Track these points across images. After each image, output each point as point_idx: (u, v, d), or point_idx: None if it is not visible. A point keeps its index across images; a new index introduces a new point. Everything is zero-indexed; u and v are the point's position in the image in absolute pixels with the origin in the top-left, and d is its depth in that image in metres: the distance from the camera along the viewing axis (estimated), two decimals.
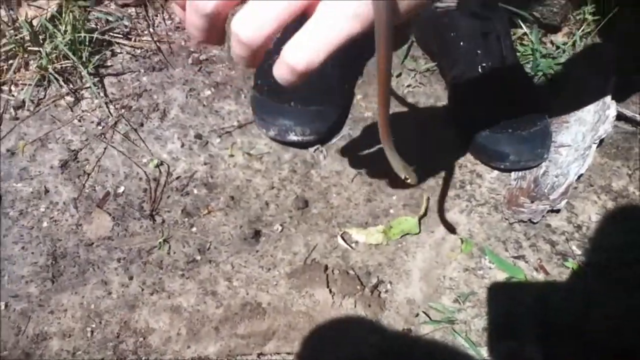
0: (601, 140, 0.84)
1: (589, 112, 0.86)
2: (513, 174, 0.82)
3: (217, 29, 0.36)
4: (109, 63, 0.91)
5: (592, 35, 1.01)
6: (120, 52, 0.93)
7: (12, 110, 0.82)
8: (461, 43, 0.84)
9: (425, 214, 0.78)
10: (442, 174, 0.82)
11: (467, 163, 0.83)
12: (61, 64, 0.85)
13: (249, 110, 0.86)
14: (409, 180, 0.53)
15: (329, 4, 0.33)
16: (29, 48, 0.86)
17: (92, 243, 0.71)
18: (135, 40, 0.95)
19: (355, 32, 0.33)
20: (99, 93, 0.85)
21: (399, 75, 0.94)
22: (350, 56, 0.88)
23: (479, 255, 0.75)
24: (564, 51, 0.98)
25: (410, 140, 0.84)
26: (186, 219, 0.74)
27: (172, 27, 1.00)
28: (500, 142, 0.78)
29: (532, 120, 0.80)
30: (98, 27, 0.95)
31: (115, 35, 0.95)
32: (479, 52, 0.83)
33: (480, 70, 0.82)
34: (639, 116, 0.88)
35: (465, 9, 0.84)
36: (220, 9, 0.35)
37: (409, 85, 0.93)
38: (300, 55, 0.33)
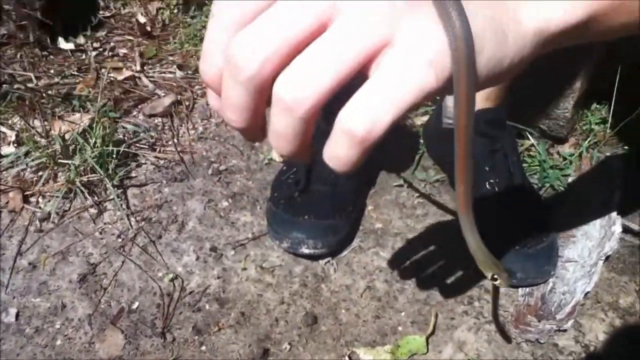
0: (607, 256, 0.85)
1: (595, 227, 0.87)
2: (520, 290, 0.83)
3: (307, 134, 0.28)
4: (133, 174, 0.96)
5: (599, 146, 1.03)
6: (145, 163, 0.98)
7: (37, 222, 0.87)
8: None
9: (433, 332, 0.79)
10: (451, 289, 0.83)
11: (475, 278, 0.84)
12: (88, 177, 0.90)
13: (264, 221, 0.89)
14: (497, 282, 0.43)
15: (397, 50, 0.26)
16: (60, 161, 0.92)
17: None
18: (159, 151, 1.01)
19: (430, 87, 0.26)
20: (121, 205, 0.90)
21: (410, 185, 0.97)
22: (364, 166, 0.92)
23: None
24: (570, 162, 1.01)
25: (418, 252, 0.87)
26: (196, 337, 0.76)
27: (195, 137, 1.06)
28: (507, 259, 0.80)
29: (538, 237, 0.82)
30: (125, 138, 1.01)
31: (141, 146, 1.01)
32: (486, 169, 0.86)
33: (487, 186, 0.85)
34: None
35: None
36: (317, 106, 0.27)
37: (418, 196, 0.96)
38: (363, 117, 0.26)
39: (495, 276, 0.42)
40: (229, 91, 0.28)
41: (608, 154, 1.02)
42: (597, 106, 1.12)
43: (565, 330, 0.78)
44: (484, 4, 0.28)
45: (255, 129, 0.29)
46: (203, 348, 0.75)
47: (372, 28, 0.26)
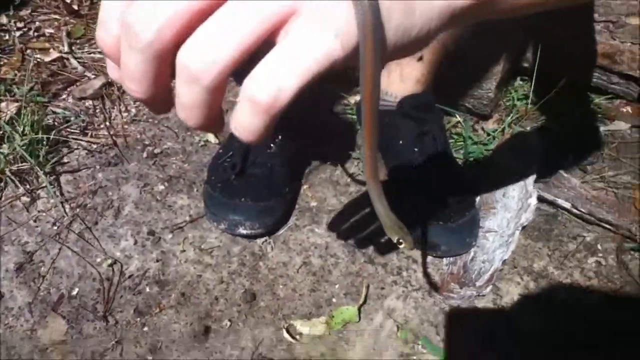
0: (524, 226, 0.92)
1: (513, 199, 0.94)
2: (445, 260, 0.89)
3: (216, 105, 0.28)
4: (65, 160, 0.95)
5: (521, 122, 1.10)
6: (77, 148, 0.98)
7: None
8: (400, 142, 0.92)
9: (365, 302, 0.84)
10: (381, 260, 0.88)
11: (404, 250, 0.90)
12: (18, 167, 0.89)
13: (201, 204, 0.91)
14: (402, 246, 0.45)
15: (303, 20, 0.26)
16: None
17: (47, 348, 0.74)
18: (91, 136, 1.00)
19: (336, 55, 0.26)
20: (55, 192, 0.89)
21: (343, 163, 1.01)
22: (298, 152, 0.95)
23: (413, 341, 0.81)
24: (494, 138, 1.07)
25: (349, 226, 0.91)
26: (138, 319, 0.78)
27: (128, 119, 1.05)
28: (432, 233, 0.86)
29: (461, 211, 0.88)
30: (55, 123, 1.00)
31: (72, 131, 1.00)
32: (415, 149, 0.91)
33: (415, 166, 0.90)
34: (560, 200, 0.96)
35: (403, 110, 0.92)
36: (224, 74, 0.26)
37: (352, 174, 1.00)
38: (266, 86, 0.26)
39: (401, 240, 0.44)
40: (127, 59, 0.27)
41: (529, 128, 1.09)
42: (520, 83, 1.19)
43: (484, 296, 0.85)
44: None
45: (158, 99, 0.29)
46: (145, 329, 0.77)
47: None
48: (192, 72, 0.25)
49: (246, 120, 0.27)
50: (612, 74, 1.08)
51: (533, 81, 1.09)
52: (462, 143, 1.06)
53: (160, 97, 0.29)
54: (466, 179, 0.95)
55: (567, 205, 0.95)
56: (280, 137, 0.89)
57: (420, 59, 0.91)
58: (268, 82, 0.25)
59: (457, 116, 1.09)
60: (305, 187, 0.97)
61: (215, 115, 0.28)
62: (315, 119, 1.01)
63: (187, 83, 0.26)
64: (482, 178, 0.99)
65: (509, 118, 1.10)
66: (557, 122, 1.12)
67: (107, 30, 0.28)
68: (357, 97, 1.11)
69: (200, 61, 0.25)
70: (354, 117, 1.08)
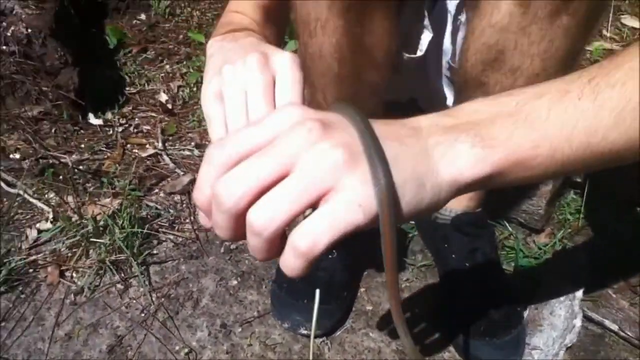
0: (569, 346, 0.96)
1: (559, 318, 0.99)
2: None
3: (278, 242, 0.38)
4: (154, 251, 1.09)
5: (573, 236, 1.16)
6: (165, 241, 1.11)
7: (72, 296, 0.99)
8: (452, 255, 1.00)
9: None
10: None
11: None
12: (116, 257, 1.03)
13: (268, 300, 1.02)
14: None
15: (337, 195, 0.36)
16: (91, 240, 1.05)
17: None
18: (178, 230, 1.14)
19: (359, 222, 0.36)
20: (144, 282, 1.02)
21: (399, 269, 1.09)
22: (358, 258, 1.05)
23: None
24: (545, 252, 1.13)
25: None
26: None
27: None
28: (476, 348, 0.92)
29: (508, 328, 0.94)
30: (148, 217, 1.14)
31: (161, 224, 1.14)
32: (466, 264, 0.98)
33: (465, 280, 0.97)
34: (607, 321, 1.00)
35: (457, 226, 1.00)
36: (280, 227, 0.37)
37: (407, 280, 1.08)
38: (305, 238, 0.35)
39: None
40: (216, 216, 0.38)
41: (580, 243, 1.14)
42: (573, 197, 1.25)
43: None
44: (408, 158, 0.38)
45: (237, 239, 0.39)
46: None
47: (321, 178, 0.36)
48: (255, 228, 0.36)
49: (290, 261, 0.36)
50: None
51: (584, 196, 1.15)
52: (513, 255, 1.12)
53: (240, 238, 0.39)
54: (515, 294, 1.01)
55: (615, 327, 0.99)
56: (335, 252, 0.99)
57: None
58: (307, 236, 0.35)
59: (509, 228, 1.16)
60: (362, 289, 1.06)
61: (273, 253, 0.38)
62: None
63: (252, 234, 0.37)
64: (531, 293, 1.04)
65: (561, 233, 1.15)
66: (608, 239, 1.16)
67: (202, 192, 0.39)
68: None
69: (262, 221, 0.36)
70: (412, 222, 1.17)
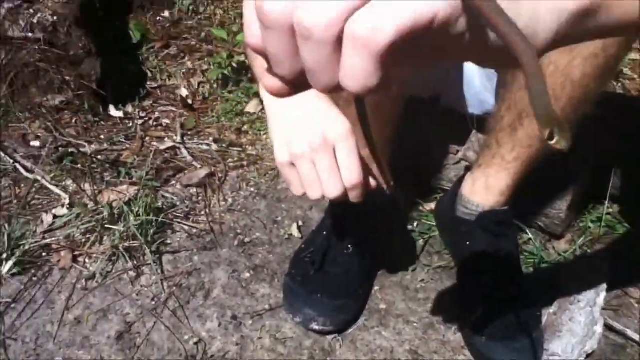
0: (589, 354, 0.93)
1: (579, 325, 0.96)
2: None
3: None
4: (168, 241, 1.08)
5: (594, 244, 1.13)
6: (179, 231, 1.11)
7: (83, 281, 0.99)
8: (474, 254, 0.97)
9: None
10: None
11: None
12: (130, 243, 1.03)
13: (281, 294, 1.00)
14: (553, 141, 0.32)
15: None
16: (106, 226, 1.05)
17: None
18: (192, 221, 1.14)
19: (440, 7, 0.27)
20: (157, 270, 1.01)
21: (415, 269, 1.07)
22: (373, 256, 1.03)
23: None
24: (565, 258, 1.10)
25: (417, 336, 0.96)
26: None
27: (225, 208, 1.18)
28: (496, 351, 0.89)
29: (527, 332, 0.91)
30: (164, 207, 1.14)
31: (177, 215, 1.14)
32: (488, 264, 0.96)
33: (486, 282, 0.95)
34: (629, 330, 0.97)
35: (482, 224, 0.97)
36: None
37: (422, 280, 1.06)
38: (364, 22, 0.27)
39: (555, 134, 0.32)
40: (304, 52, 0.28)
41: (600, 251, 1.11)
42: (595, 205, 1.22)
43: None
44: None
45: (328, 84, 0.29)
46: None
47: None
48: (364, 38, 0.27)
49: (350, 62, 0.27)
50: None
51: (606, 204, 1.12)
52: (532, 261, 1.10)
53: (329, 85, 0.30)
54: (534, 299, 0.98)
55: (637, 337, 0.96)
56: (350, 248, 0.97)
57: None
58: (366, 19, 0.27)
59: (529, 233, 1.13)
60: (376, 288, 1.04)
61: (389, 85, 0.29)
62: (391, 224, 1.09)
63: (356, 50, 0.27)
64: (550, 298, 1.02)
65: (581, 240, 1.12)
66: (630, 248, 1.13)
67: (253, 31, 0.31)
68: (432, 205, 1.18)
69: (372, 25, 0.27)
70: (431, 223, 1.15)
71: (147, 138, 1.36)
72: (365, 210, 0.92)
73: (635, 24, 0.36)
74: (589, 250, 1.11)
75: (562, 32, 0.33)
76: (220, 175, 1.25)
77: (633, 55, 1.66)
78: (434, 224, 1.14)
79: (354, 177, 0.66)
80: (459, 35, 0.30)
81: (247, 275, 1.04)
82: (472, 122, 1.15)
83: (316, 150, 0.65)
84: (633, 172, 1.13)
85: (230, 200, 1.20)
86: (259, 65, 0.71)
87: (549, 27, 0.33)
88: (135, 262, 1.02)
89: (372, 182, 0.69)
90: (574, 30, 0.34)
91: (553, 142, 0.32)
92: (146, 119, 1.42)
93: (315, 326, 0.93)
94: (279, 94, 0.32)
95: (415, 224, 1.16)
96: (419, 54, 0.31)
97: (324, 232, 1.01)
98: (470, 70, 1.07)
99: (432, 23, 0.27)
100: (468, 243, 0.99)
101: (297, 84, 0.31)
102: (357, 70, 0.27)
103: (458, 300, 0.99)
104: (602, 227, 1.13)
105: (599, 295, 0.99)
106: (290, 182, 0.68)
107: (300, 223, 1.14)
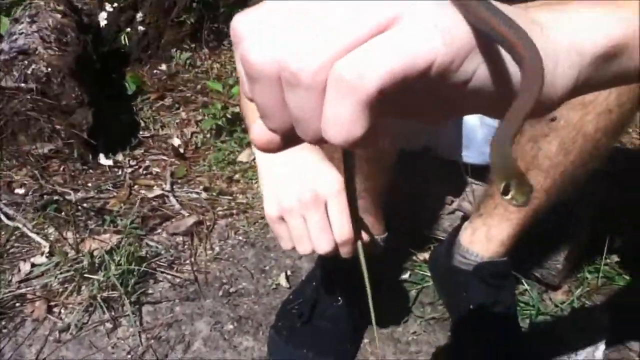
0: None
1: None
2: None
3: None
4: (149, 291, 1.04)
5: (592, 295, 1.08)
6: (162, 281, 1.07)
7: (57, 333, 0.94)
8: (470, 306, 0.93)
9: None
10: None
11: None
12: (109, 294, 0.99)
13: (265, 347, 0.95)
14: (508, 197, 0.29)
15: (407, 19, 0.25)
16: (85, 275, 1.01)
17: None
18: (176, 270, 1.10)
19: (434, 52, 0.25)
20: (135, 322, 0.97)
21: (406, 321, 1.03)
22: (363, 309, 0.98)
23: None
24: (562, 310, 1.05)
25: None
26: None
27: (211, 257, 1.15)
28: None
29: None
30: (147, 256, 1.10)
31: (160, 264, 1.10)
32: (484, 317, 0.91)
33: (481, 335, 0.90)
34: None
35: (480, 275, 0.93)
36: None
37: (414, 332, 1.01)
38: (351, 66, 0.24)
39: (510, 187, 0.29)
40: (291, 100, 0.26)
41: (599, 303, 1.07)
42: (593, 255, 1.18)
43: None
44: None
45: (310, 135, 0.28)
46: None
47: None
48: (350, 82, 0.25)
49: (332, 109, 0.25)
50: None
51: (604, 255, 1.08)
52: (528, 312, 1.05)
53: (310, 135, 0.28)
54: (531, 353, 0.93)
55: None
56: (340, 300, 0.93)
57: (554, 119, 0.80)
58: (354, 63, 0.24)
59: (525, 284, 1.09)
60: (365, 341, 0.99)
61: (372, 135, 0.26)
62: (383, 275, 1.05)
63: (341, 95, 0.25)
64: (547, 352, 0.97)
65: (578, 291, 1.08)
66: (629, 299, 1.08)
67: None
68: (426, 255, 1.15)
69: (359, 71, 0.24)
70: (424, 273, 1.10)
71: (136, 186, 1.34)
72: (357, 265, 0.88)
73: None
74: (587, 302, 1.06)
75: (582, 77, 0.31)
76: (208, 223, 1.22)
77: None
78: (428, 273, 1.10)
79: (345, 233, 0.65)
80: (461, 83, 0.26)
81: (231, 327, 0.99)
82: (467, 171, 1.13)
83: (306, 206, 0.64)
84: (631, 223, 1.10)
85: (217, 248, 1.17)
86: (250, 117, 0.70)
87: (569, 73, 0.30)
88: (113, 313, 0.98)
89: (365, 236, 0.66)
90: (596, 75, 0.32)
91: (507, 197, 0.29)
92: (136, 167, 1.41)
93: None
94: (267, 149, 0.30)
95: (408, 274, 1.12)
96: (413, 105, 0.28)
97: (314, 283, 0.97)
98: (471, 121, 1.04)
99: (429, 69, 0.25)
100: (465, 294, 0.95)
101: (289, 137, 0.29)
102: (340, 119, 0.25)
103: (451, 353, 0.94)
104: (600, 278, 1.09)
105: (598, 349, 0.94)
106: (279, 237, 0.68)
107: (289, 272, 1.11)
